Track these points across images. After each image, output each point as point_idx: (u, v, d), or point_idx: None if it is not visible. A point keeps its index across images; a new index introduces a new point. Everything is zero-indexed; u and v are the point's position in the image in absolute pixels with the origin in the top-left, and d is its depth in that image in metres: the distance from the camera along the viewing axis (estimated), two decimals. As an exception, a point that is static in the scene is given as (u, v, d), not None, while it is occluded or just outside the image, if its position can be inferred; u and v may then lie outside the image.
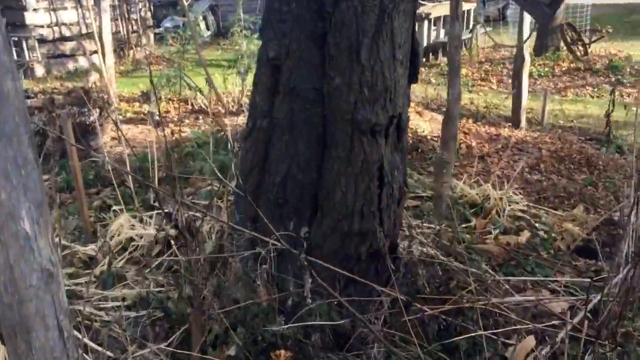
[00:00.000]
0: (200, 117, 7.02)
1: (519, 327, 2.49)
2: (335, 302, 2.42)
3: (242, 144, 2.71)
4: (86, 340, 2.36)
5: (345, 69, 2.29)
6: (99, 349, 2.35)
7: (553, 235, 3.77)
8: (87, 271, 3.17)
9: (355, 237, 2.50)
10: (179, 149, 5.34)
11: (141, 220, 3.56)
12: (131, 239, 3.40)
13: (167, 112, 7.33)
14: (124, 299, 2.84)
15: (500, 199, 4.05)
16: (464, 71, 8.73)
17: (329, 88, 2.34)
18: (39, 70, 9.94)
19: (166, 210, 2.05)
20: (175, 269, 3.14)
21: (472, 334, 2.36)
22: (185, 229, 2.05)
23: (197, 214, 2.53)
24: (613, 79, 8.97)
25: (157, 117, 5.25)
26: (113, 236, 3.46)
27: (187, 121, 6.83)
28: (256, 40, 7.81)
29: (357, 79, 2.29)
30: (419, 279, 2.60)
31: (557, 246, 3.65)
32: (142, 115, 7.21)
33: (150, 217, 3.60)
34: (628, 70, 9.26)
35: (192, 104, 7.56)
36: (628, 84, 8.69)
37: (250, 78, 7.21)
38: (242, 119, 5.82)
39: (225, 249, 2.38)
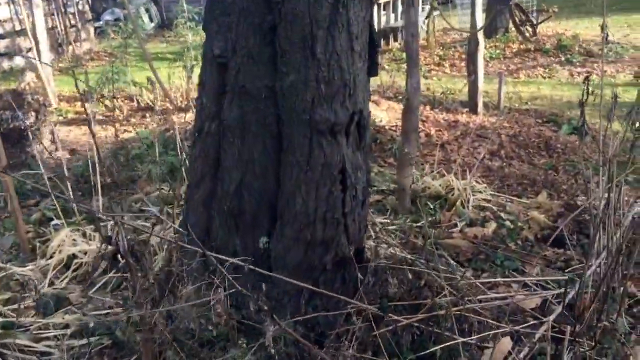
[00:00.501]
0: (147, 114, 6.67)
1: (495, 331, 2.36)
2: (302, 319, 2.23)
3: (190, 150, 2.47)
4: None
5: (299, 64, 2.08)
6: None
7: (519, 224, 3.67)
8: (26, 294, 2.88)
9: (319, 246, 2.31)
10: (125, 150, 5.02)
11: (84, 235, 3.27)
12: (74, 256, 3.12)
13: (112, 110, 6.94)
14: (67, 326, 2.57)
15: (464, 189, 3.92)
16: (418, 57, 8.60)
17: (282, 85, 2.13)
18: (-29, 71, 9.34)
19: (104, 234, 1.79)
20: (125, 286, 2.89)
21: (449, 343, 2.21)
22: (128, 253, 1.80)
23: (145, 225, 2.29)
24: (563, 59, 9.02)
25: (91, 118, 4.89)
26: (54, 253, 3.17)
27: (133, 120, 6.47)
28: (201, 32, 7.47)
29: (313, 75, 2.08)
30: (389, 286, 2.43)
31: (524, 236, 3.55)
32: (84, 115, 6.80)
33: (94, 230, 3.31)
34: (577, 49, 9.32)
35: (137, 101, 7.18)
36: (577, 63, 8.75)
37: (197, 71, 6.91)
38: (190, 116, 5.52)
39: (175, 272, 2.14)
